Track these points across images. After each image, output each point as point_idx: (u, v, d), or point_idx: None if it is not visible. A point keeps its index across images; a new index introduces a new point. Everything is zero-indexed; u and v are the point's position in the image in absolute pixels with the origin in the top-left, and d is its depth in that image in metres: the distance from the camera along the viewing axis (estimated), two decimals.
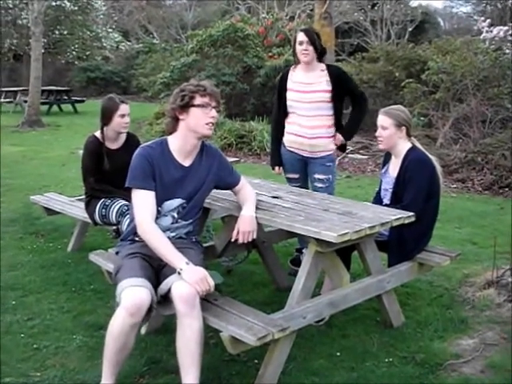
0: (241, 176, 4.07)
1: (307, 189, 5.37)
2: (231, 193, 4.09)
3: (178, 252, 3.43)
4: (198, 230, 4.24)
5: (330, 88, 5.19)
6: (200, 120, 3.65)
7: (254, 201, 3.99)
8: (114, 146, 5.38)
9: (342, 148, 5.53)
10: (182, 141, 3.71)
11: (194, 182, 3.76)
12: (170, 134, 3.76)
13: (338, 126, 5.35)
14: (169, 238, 3.61)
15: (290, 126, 5.37)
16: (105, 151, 5.30)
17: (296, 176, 5.46)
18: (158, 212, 3.68)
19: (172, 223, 3.77)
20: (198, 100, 3.63)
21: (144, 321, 3.39)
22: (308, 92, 5.22)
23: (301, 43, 5.17)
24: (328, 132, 5.28)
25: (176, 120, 3.69)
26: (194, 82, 3.73)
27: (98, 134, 5.38)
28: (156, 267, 3.53)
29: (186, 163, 3.73)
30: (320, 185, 5.33)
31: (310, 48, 5.14)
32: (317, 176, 5.34)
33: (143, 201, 3.58)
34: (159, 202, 3.65)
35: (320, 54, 5.25)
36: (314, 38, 5.16)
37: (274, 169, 5.64)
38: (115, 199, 5.26)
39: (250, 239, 3.79)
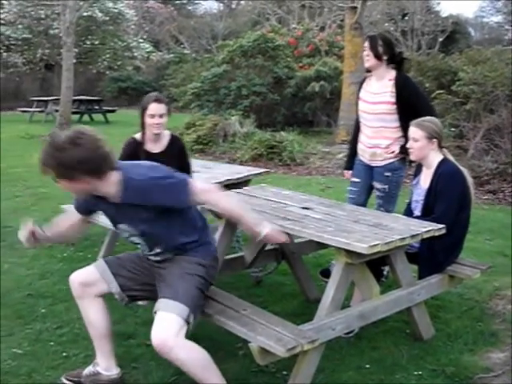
0: None
1: (366, 197, 5.45)
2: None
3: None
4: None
5: (393, 100, 5.09)
6: None
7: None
8: (155, 149, 4.97)
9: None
10: None
11: None
12: None
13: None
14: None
15: (360, 134, 5.42)
16: (143, 153, 4.86)
17: (357, 180, 5.46)
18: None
19: None
20: None
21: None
22: (373, 103, 5.19)
23: (364, 49, 5.19)
24: (386, 143, 5.18)
25: None
26: None
27: (138, 135, 5.02)
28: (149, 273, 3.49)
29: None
30: (378, 193, 5.34)
31: (371, 54, 5.11)
32: (375, 184, 5.35)
33: None
34: None
35: (391, 61, 5.16)
36: (375, 44, 5.10)
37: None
38: None
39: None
